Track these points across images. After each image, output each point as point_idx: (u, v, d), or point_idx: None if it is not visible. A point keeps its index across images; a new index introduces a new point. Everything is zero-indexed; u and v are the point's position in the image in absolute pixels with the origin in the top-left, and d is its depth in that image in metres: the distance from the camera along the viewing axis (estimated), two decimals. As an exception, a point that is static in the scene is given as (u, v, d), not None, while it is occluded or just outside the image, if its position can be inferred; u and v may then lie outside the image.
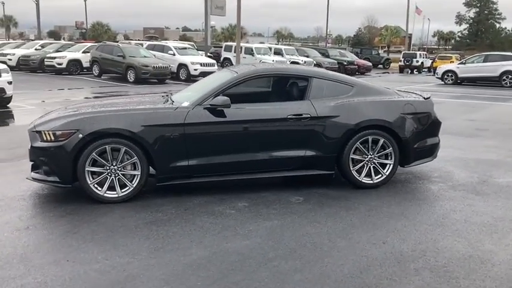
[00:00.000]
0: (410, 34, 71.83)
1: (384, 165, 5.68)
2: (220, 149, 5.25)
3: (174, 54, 24.38)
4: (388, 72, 38.61)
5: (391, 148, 5.60)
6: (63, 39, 79.94)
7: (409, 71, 38.67)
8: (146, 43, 29.03)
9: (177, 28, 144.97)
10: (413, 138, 5.71)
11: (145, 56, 22.52)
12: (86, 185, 4.97)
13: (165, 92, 6.20)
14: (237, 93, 5.78)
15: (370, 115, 5.54)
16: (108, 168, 5.01)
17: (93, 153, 4.92)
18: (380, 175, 5.67)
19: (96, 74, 23.44)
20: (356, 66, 33.39)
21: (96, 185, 5.01)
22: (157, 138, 5.02)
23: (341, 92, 5.66)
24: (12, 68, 26.47)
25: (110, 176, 5.03)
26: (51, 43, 31.29)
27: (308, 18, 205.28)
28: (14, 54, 27.58)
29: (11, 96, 12.80)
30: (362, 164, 5.60)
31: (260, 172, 5.44)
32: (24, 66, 26.34)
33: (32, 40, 35.04)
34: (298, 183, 5.78)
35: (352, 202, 5.16)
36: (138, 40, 41.01)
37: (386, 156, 5.68)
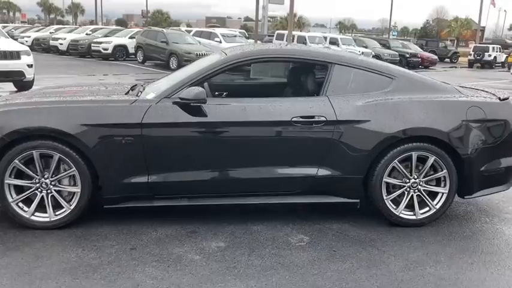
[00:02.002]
0: (483, 27, 66.92)
1: (433, 195, 3.93)
2: (195, 161, 3.72)
3: (220, 42, 23.06)
4: (455, 67, 35.44)
5: (445, 170, 3.84)
6: (130, 27, 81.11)
7: (480, 66, 35.35)
8: (194, 30, 27.94)
9: (239, 18, 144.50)
10: (480, 157, 3.90)
11: (189, 43, 21.34)
12: (5, 202, 3.61)
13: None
14: (225, 84, 4.25)
15: (416, 121, 3.80)
16: (37, 181, 3.62)
17: (16, 160, 3.53)
18: (427, 208, 3.92)
19: (140, 61, 22.53)
20: (419, 59, 30.66)
21: (21, 204, 3.64)
22: (102, 142, 3.56)
23: (375, 86, 3.95)
24: (63, 53, 26.75)
25: (40, 192, 3.64)
26: (101, 28, 30.96)
27: (374, 10, 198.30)
28: (65, 39, 27.40)
29: (32, 80, 11.92)
30: (401, 191, 3.88)
31: (251, 196, 3.85)
32: (74, 50, 26.04)
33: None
34: (308, 211, 4.14)
35: (380, 251, 3.47)
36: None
37: (437, 182, 3.92)
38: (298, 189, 3.86)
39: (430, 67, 31.43)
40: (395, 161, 3.80)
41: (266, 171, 3.77)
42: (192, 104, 3.61)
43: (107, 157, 3.59)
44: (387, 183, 3.87)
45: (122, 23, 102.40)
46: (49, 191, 3.64)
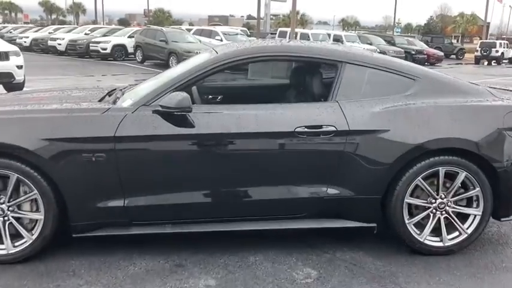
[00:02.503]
0: (488, 23, 66.22)
1: (464, 217, 3.32)
2: (179, 181, 3.12)
3: (221, 40, 22.45)
4: (461, 63, 34.73)
5: (478, 188, 3.23)
6: (134, 26, 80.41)
7: (486, 63, 34.60)
8: (194, 28, 27.37)
9: (242, 16, 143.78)
10: (520, 171, 3.29)
11: (189, 42, 20.74)
12: (-47, 233, 3.02)
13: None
14: (219, 87, 3.67)
15: (443, 130, 3.19)
16: (-9, 207, 3.03)
17: (-36, 183, 2.95)
18: (456, 233, 3.31)
19: (139, 60, 21.94)
20: (425, 56, 30.06)
21: (-27, 234, 3.06)
22: (68, 160, 2.97)
23: (394, 89, 3.33)
24: (61, 53, 26.17)
25: (-4, 219, 3.05)
26: (100, 27, 30.41)
27: (376, 7, 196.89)
28: (63, 39, 26.80)
29: (23, 81, 11.37)
30: (426, 213, 3.28)
31: (248, 221, 3.25)
32: (72, 51, 25.47)
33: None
34: (315, 237, 3.52)
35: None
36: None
37: (469, 202, 3.32)
38: (303, 212, 3.25)
39: (436, 64, 30.80)
40: (419, 177, 3.19)
41: (265, 192, 3.17)
42: (175, 113, 3.01)
43: (74, 177, 2.99)
44: (409, 204, 3.26)
45: (124, 22, 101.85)
46: (6, 218, 3.05)
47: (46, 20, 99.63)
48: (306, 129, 3.09)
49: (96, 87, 4.21)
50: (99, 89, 4.03)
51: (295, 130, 3.08)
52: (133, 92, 3.47)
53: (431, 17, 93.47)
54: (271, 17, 56.05)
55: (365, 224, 3.28)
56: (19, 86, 11.40)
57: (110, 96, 3.61)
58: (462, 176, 3.21)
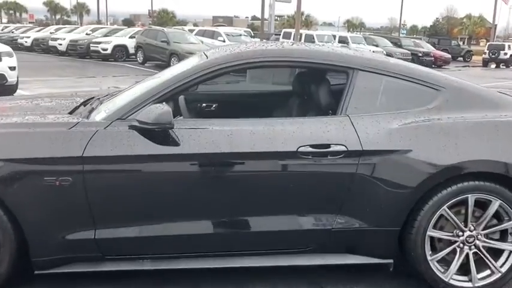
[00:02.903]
0: (495, 25, 65.63)
1: (497, 253, 2.82)
2: (161, 210, 2.64)
3: (224, 41, 22.03)
4: (468, 66, 34.17)
5: (515, 219, 2.74)
6: (138, 26, 79.93)
7: (494, 65, 34.03)
8: (196, 29, 26.97)
9: (246, 17, 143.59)
10: None
11: (191, 42, 20.31)
12: None
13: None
14: (208, 97, 3.17)
15: (473, 151, 2.70)
16: None
17: None
18: (488, 272, 2.81)
19: (140, 61, 21.53)
20: (432, 58, 29.62)
21: None
22: (27, 185, 2.49)
23: (415, 101, 2.84)
24: (62, 53, 25.77)
25: None
26: (102, 27, 30.05)
27: (381, 9, 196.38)
28: (64, 39, 26.41)
29: (16, 83, 10.93)
30: (451, 248, 2.78)
31: (242, 257, 2.76)
32: (73, 51, 25.10)
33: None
34: (320, 272, 3.02)
35: None
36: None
37: (503, 235, 2.82)
38: (308, 245, 2.77)
39: (444, 66, 30.34)
40: (445, 206, 2.70)
41: (263, 223, 2.69)
42: (157, 129, 2.53)
43: (35, 205, 2.52)
44: (432, 238, 2.77)
45: (129, 23, 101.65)
46: (-45, 251, 2.57)
47: (51, 20, 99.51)
48: (310, 149, 2.60)
49: (72, 95, 3.72)
50: (75, 97, 3.53)
51: (298, 150, 2.60)
52: (111, 102, 2.98)
53: (437, 18, 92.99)
54: (276, 18, 55.69)
55: (380, 261, 2.79)
56: (12, 89, 10.96)
57: (85, 106, 3.12)
58: (496, 205, 2.72)
